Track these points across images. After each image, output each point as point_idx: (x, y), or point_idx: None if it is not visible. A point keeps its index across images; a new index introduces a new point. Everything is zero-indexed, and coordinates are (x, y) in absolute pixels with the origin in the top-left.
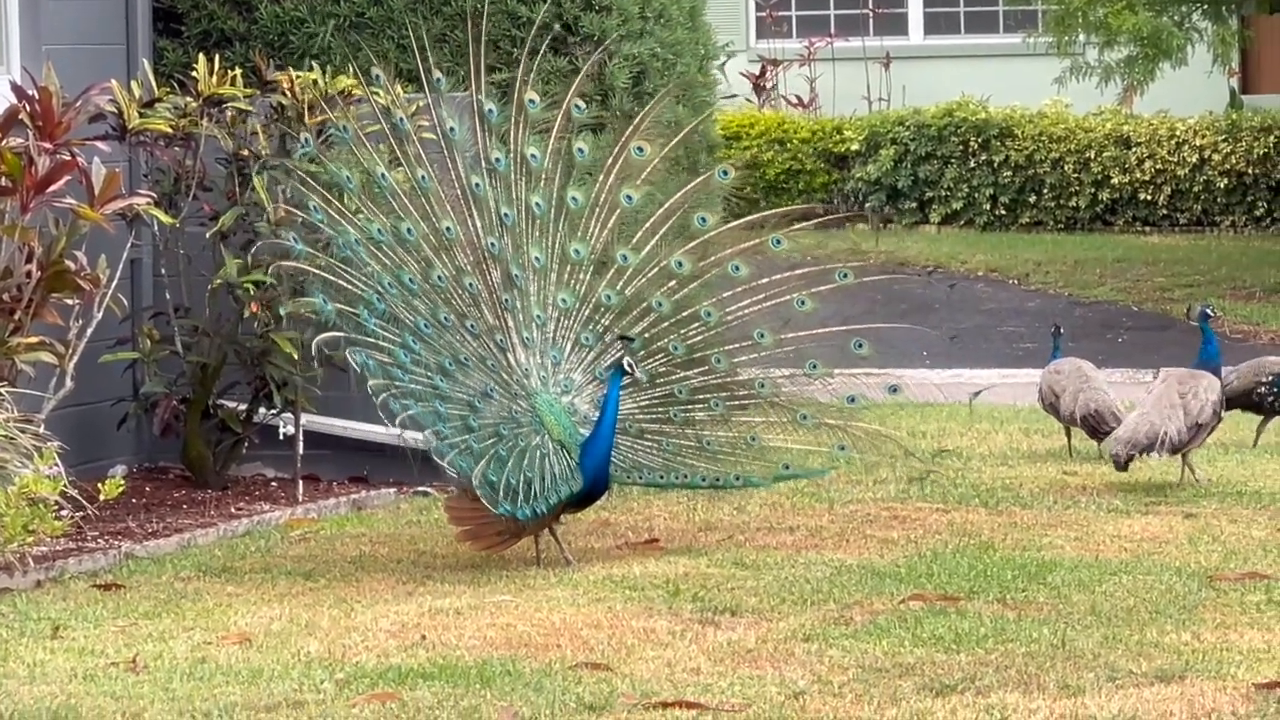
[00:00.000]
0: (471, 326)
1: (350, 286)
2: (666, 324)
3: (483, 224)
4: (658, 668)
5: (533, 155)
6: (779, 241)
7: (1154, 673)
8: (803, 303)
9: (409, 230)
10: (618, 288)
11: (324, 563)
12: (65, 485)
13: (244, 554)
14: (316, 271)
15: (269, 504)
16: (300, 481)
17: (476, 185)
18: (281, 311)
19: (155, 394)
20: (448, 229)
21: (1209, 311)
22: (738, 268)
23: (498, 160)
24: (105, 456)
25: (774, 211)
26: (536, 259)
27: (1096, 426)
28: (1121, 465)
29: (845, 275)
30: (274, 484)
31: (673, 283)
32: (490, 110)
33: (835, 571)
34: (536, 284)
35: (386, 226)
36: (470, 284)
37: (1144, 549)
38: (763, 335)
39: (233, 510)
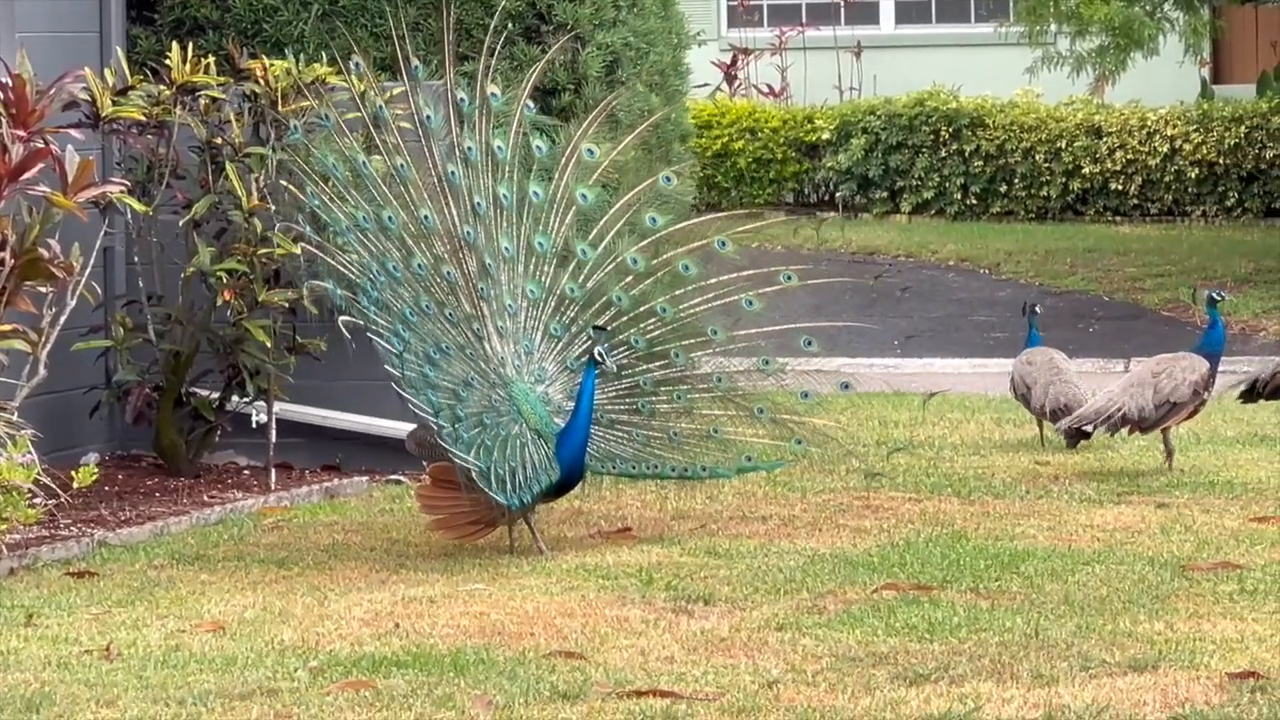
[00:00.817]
0: (450, 315)
1: (347, 272)
2: (626, 318)
3: (459, 212)
4: (631, 656)
5: (498, 147)
6: (724, 244)
7: (1127, 662)
8: (750, 303)
9: (390, 218)
10: (579, 281)
11: (297, 551)
12: (38, 473)
13: (217, 542)
14: (326, 257)
15: (242, 492)
16: (273, 469)
17: (452, 174)
18: (259, 297)
19: (128, 382)
20: (426, 217)
21: (1216, 296)
22: (687, 267)
23: (469, 149)
24: (78, 444)
25: (718, 216)
26: (506, 249)
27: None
28: (1070, 440)
29: (790, 278)
30: (246, 472)
31: (629, 278)
32: (463, 99)
33: (808, 560)
34: (507, 274)
35: (370, 215)
36: (448, 272)
37: (1117, 539)
38: (715, 332)
39: (205, 498)
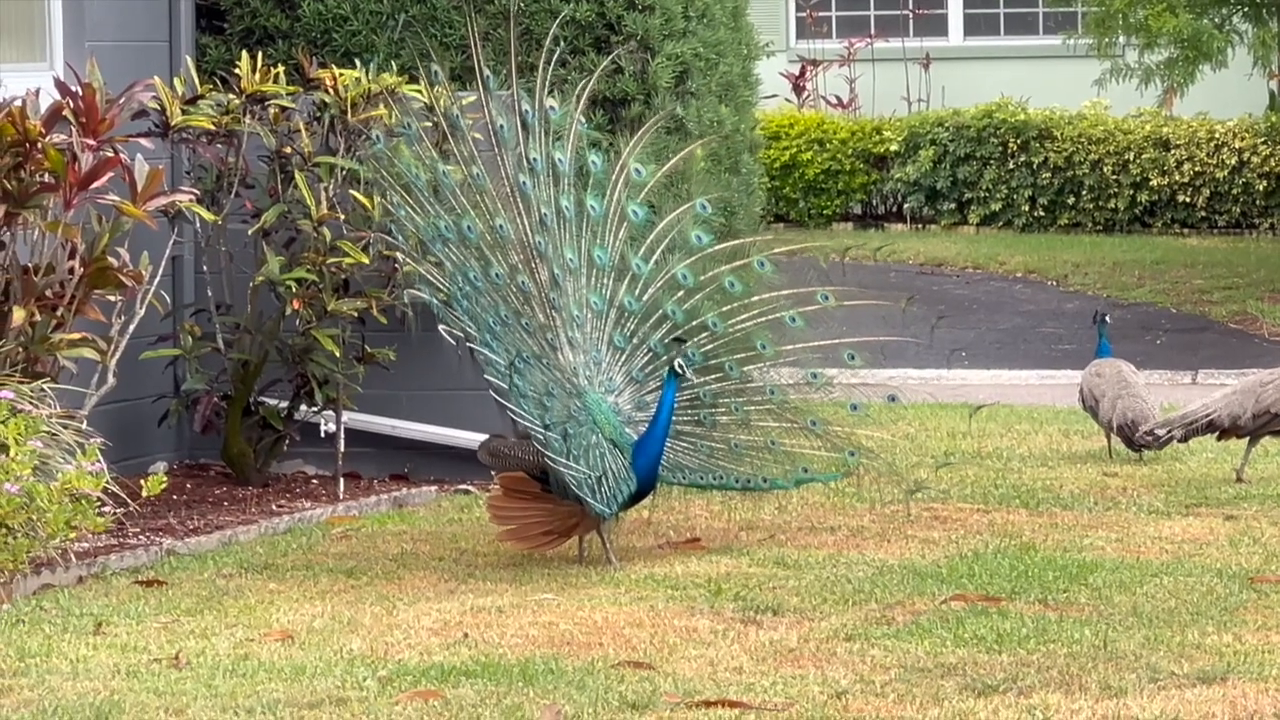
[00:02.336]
0: (526, 324)
1: (438, 283)
2: (681, 331)
3: (530, 222)
4: (700, 666)
5: (559, 159)
6: (763, 264)
7: (1196, 674)
8: (794, 320)
9: (469, 228)
10: (636, 294)
11: (365, 560)
12: (107, 481)
13: (285, 551)
14: (423, 271)
15: (310, 501)
16: (341, 479)
17: (524, 183)
18: (329, 306)
19: (196, 391)
20: (500, 226)
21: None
22: (733, 284)
23: (535, 160)
24: (146, 453)
25: (758, 238)
26: (570, 260)
27: (1132, 436)
28: (1152, 444)
29: (826, 298)
30: (315, 481)
31: (680, 293)
32: (526, 110)
33: (877, 571)
34: (572, 284)
35: (451, 224)
36: (522, 282)
37: (1185, 550)
38: (764, 346)
39: (274, 507)
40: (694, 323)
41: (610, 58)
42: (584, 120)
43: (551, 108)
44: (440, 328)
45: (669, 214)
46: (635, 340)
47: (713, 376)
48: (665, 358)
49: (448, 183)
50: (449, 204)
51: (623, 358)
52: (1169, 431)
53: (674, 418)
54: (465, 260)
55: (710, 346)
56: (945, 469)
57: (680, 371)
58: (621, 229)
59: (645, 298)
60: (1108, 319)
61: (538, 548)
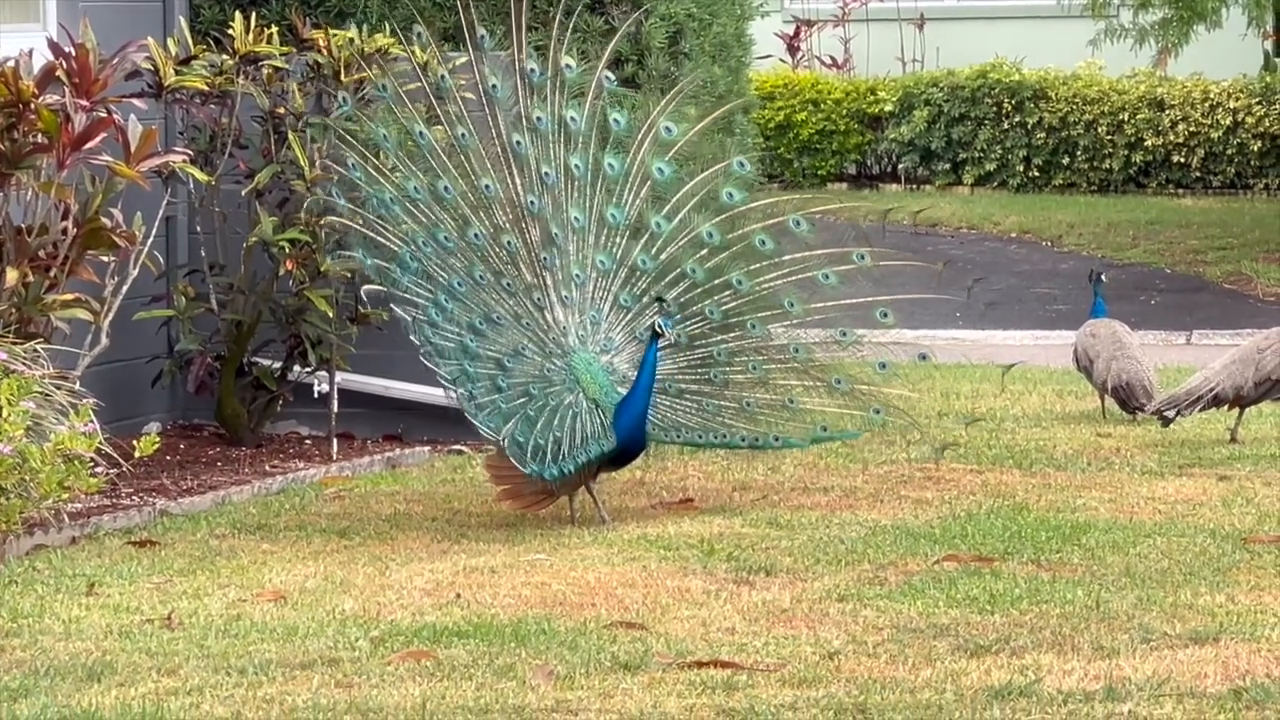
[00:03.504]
0: (508, 284)
1: (386, 243)
2: (700, 290)
3: (523, 182)
4: (693, 627)
5: (571, 118)
6: (799, 223)
7: (1188, 634)
8: (827, 276)
9: (446, 188)
10: (652, 253)
11: (359, 521)
12: (100, 442)
13: (279, 511)
14: (357, 228)
15: (303, 462)
16: (335, 439)
17: (518, 143)
18: (321, 267)
19: (190, 351)
20: (487, 187)
21: None
22: (764, 241)
23: (539, 120)
24: (140, 414)
25: (795, 195)
26: (576, 219)
27: (1126, 399)
28: (1164, 422)
29: (862, 258)
30: (308, 442)
31: (704, 251)
32: (532, 70)
33: (870, 532)
34: (575, 244)
35: (424, 184)
36: (509, 242)
37: (1178, 511)
38: (792, 304)
39: (267, 468)
40: (717, 281)
41: (631, 20)
42: (610, 77)
43: (568, 65)
44: (363, 289)
45: (702, 172)
46: (645, 300)
47: (731, 335)
48: (676, 315)
49: (425, 143)
50: (425, 164)
51: (627, 317)
52: (1176, 410)
53: (683, 377)
54: (437, 220)
55: (733, 304)
56: (973, 425)
57: (660, 331)
58: (644, 187)
59: (662, 256)
60: (1104, 278)
61: (530, 507)
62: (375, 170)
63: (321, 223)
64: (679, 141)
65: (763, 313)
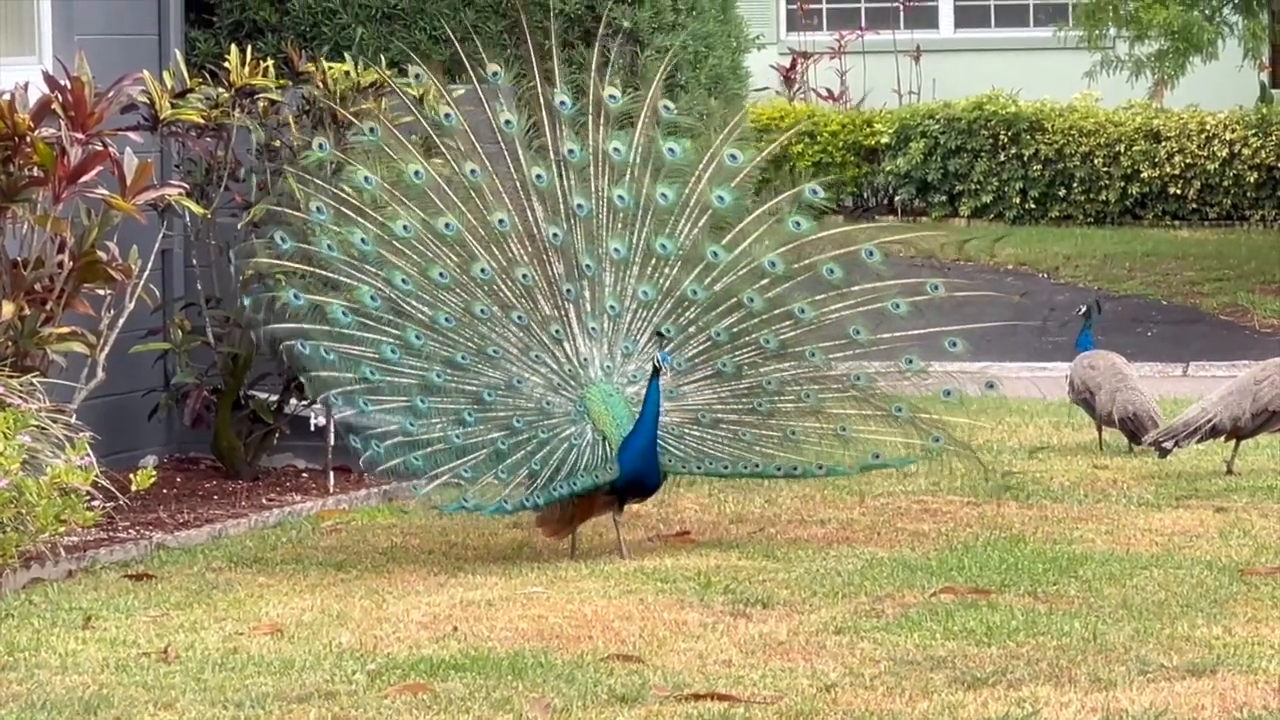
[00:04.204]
0: (519, 318)
1: (350, 282)
2: (758, 319)
3: (544, 215)
4: (689, 659)
5: (615, 149)
6: (871, 253)
7: (1185, 667)
8: (898, 306)
9: (448, 225)
10: (705, 283)
11: (355, 554)
12: (96, 475)
13: (275, 545)
14: (296, 266)
15: (300, 495)
16: (331, 472)
17: (538, 176)
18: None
19: (186, 384)
20: (501, 221)
21: None
22: (832, 270)
23: (571, 152)
24: (136, 447)
25: (868, 226)
26: (616, 250)
27: (1136, 430)
28: (1161, 454)
29: (936, 288)
30: (305, 475)
31: (765, 281)
32: (563, 102)
33: (866, 564)
34: (613, 275)
35: (416, 222)
36: (524, 275)
37: (1175, 543)
38: (858, 332)
39: (264, 501)
40: (778, 310)
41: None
42: (669, 106)
43: (612, 95)
44: (276, 326)
45: (768, 200)
46: (693, 329)
47: (787, 364)
48: (726, 344)
49: (426, 179)
50: (423, 201)
51: (667, 347)
52: (1174, 441)
53: (723, 407)
54: (433, 258)
55: (792, 334)
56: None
57: (659, 366)
58: (703, 217)
59: (717, 286)
60: (1099, 310)
61: (557, 533)
62: (354, 211)
63: (250, 264)
64: (745, 169)
65: (825, 342)
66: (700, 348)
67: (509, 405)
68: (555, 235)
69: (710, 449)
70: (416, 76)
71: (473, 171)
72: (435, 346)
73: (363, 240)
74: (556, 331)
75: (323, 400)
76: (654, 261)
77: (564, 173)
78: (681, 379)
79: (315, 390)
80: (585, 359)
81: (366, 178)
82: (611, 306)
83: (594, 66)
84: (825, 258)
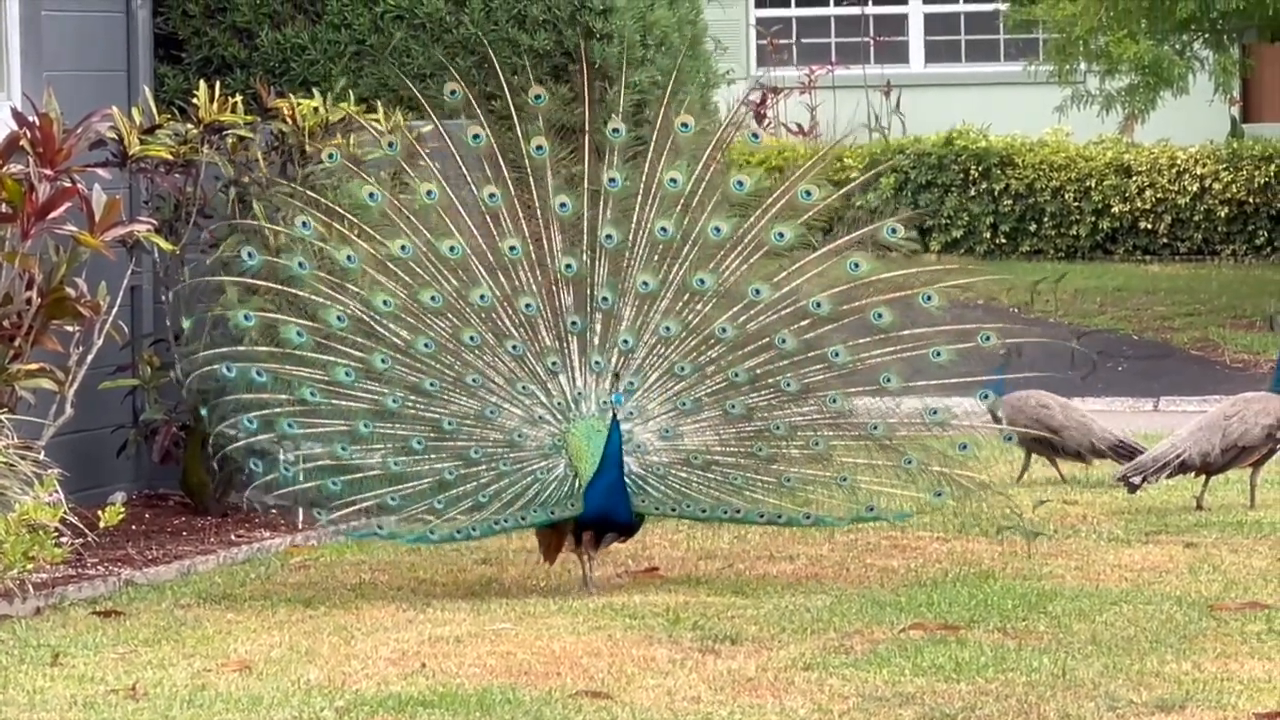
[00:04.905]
0: (514, 347)
1: (320, 301)
2: (786, 361)
3: (562, 245)
4: (658, 696)
5: (671, 180)
6: (929, 297)
7: (1154, 702)
8: (939, 354)
9: (452, 248)
10: (739, 321)
11: (324, 590)
12: (65, 512)
13: (244, 581)
14: (259, 283)
15: (269, 531)
16: (300, 509)
17: (562, 205)
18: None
19: (155, 421)
20: (512, 249)
21: None
22: (880, 315)
23: (612, 181)
24: (105, 483)
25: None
26: (644, 283)
27: (1131, 453)
28: (1130, 489)
29: (988, 338)
30: (274, 511)
31: (805, 322)
32: (616, 130)
33: (835, 600)
34: (634, 309)
35: (416, 244)
36: (528, 305)
37: (1144, 578)
38: (889, 380)
39: (232, 537)
40: (811, 353)
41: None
42: (756, 135)
43: (685, 124)
44: (206, 353)
45: (840, 237)
46: (714, 368)
47: (805, 408)
48: (744, 385)
49: (435, 200)
50: (429, 224)
51: (679, 385)
52: (1143, 477)
53: (721, 449)
54: (427, 281)
55: (819, 378)
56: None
57: (612, 408)
58: (756, 253)
59: (750, 325)
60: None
61: (547, 557)
62: (347, 230)
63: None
64: (816, 205)
65: (852, 388)
66: (714, 388)
67: (471, 436)
68: (569, 266)
69: (694, 492)
70: (452, 93)
71: (492, 196)
72: (403, 371)
73: (349, 258)
74: (554, 364)
75: (230, 425)
76: (686, 297)
77: (599, 203)
78: (684, 419)
79: (221, 414)
80: (580, 393)
81: (373, 194)
82: (625, 341)
83: (665, 101)
84: (876, 301)
